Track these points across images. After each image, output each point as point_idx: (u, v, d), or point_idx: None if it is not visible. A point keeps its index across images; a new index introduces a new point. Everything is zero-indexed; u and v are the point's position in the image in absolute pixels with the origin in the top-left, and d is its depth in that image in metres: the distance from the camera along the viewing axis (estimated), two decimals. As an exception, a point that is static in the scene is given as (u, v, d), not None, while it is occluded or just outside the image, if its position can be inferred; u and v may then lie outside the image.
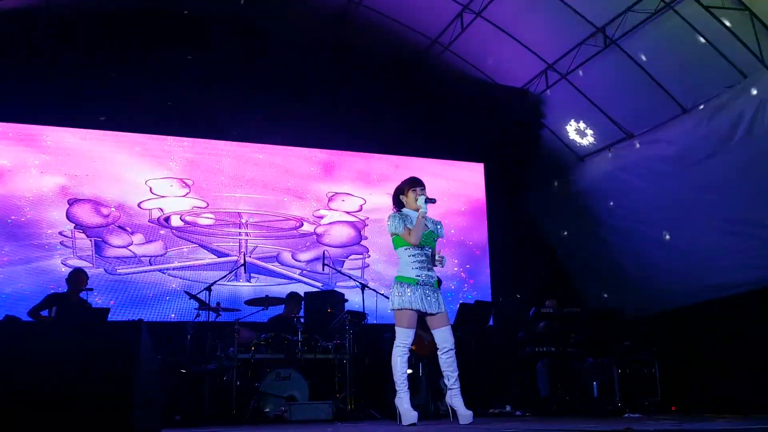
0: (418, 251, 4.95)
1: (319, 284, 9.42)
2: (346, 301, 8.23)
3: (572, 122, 10.18)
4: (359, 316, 7.64)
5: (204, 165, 9.52)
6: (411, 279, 4.89)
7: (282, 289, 8.67)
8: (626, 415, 6.55)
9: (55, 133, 8.92)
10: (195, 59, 9.26)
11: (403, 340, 4.85)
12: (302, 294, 8.24)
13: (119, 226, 8.88)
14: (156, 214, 9.08)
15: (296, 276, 9.51)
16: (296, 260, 9.60)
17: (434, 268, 5.07)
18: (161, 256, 9.01)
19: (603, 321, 7.78)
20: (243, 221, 9.49)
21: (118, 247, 8.85)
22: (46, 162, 8.77)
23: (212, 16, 9.33)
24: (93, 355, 2.75)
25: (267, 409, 6.66)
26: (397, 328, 4.89)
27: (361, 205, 10.11)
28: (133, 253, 8.90)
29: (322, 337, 7.34)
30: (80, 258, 8.62)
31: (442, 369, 4.93)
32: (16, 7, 8.52)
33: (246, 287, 9.12)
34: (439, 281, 8.08)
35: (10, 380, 2.63)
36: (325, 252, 8.36)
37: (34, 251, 8.48)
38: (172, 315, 8.73)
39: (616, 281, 9.85)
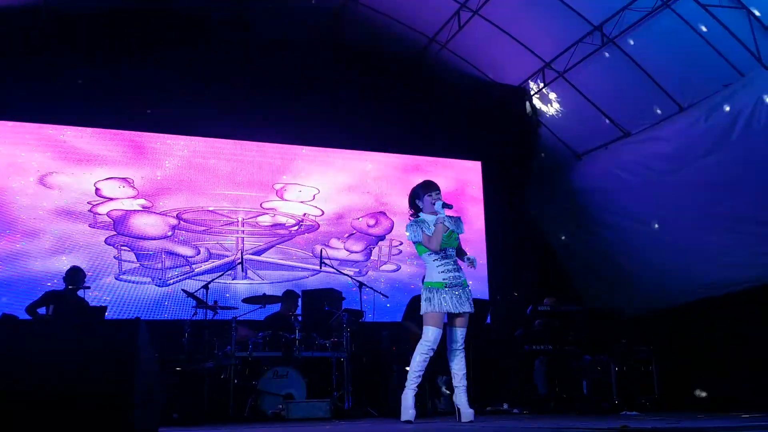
0: (441, 254, 4.99)
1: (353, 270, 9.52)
2: (344, 299, 8.24)
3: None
4: (357, 314, 7.64)
5: (205, 162, 9.52)
6: (439, 283, 4.94)
7: (279, 287, 8.69)
8: (624, 413, 6.57)
9: (58, 131, 8.93)
10: (194, 58, 9.25)
11: (429, 339, 4.89)
12: (299, 292, 8.26)
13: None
14: (172, 221, 9.11)
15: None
16: (349, 250, 9.75)
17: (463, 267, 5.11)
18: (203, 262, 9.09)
19: (601, 319, 7.80)
20: (239, 219, 9.48)
21: (186, 257, 8.96)
22: (45, 158, 8.78)
23: (211, 15, 9.31)
24: (92, 354, 2.74)
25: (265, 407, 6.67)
26: (425, 327, 4.94)
27: (314, 195, 10.02)
28: (188, 261, 8.98)
29: (319, 335, 7.34)
30: (128, 272, 8.72)
31: (450, 366, 4.99)
32: (14, 5, 8.50)
33: (243, 285, 9.12)
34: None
35: (9, 379, 2.62)
36: (322, 250, 8.35)
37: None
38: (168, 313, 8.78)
39: (614, 279, 9.86)
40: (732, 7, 7.39)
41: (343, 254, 9.85)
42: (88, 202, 8.83)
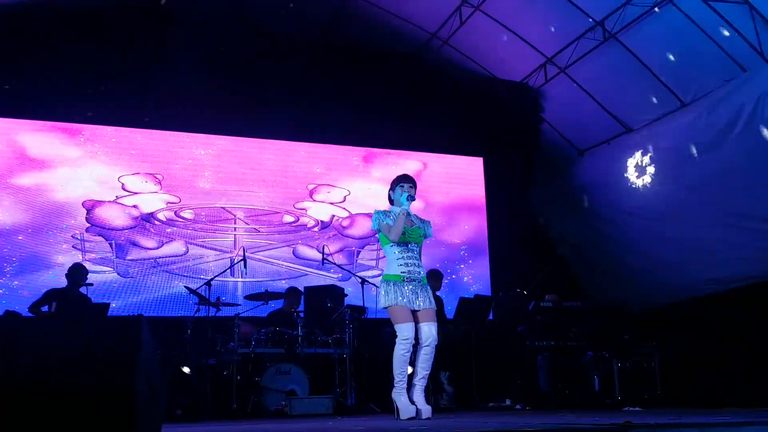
0: (403, 248, 4.97)
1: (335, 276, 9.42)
2: (346, 295, 8.24)
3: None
4: (359, 310, 7.65)
5: (204, 160, 9.53)
6: (396, 276, 4.91)
7: (282, 284, 8.69)
8: (626, 408, 6.56)
9: (55, 127, 8.94)
10: (193, 54, 9.22)
11: (404, 335, 4.82)
12: (302, 289, 8.26)
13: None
14: (134, 212, 9.01)
15: (308, 270, 9.52)
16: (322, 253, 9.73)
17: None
18: (180, 256, 9.05)
19: (603, 315, 7.79)
20: (239, 216, 9.48)
21: (148, 249, 8.89)
22: (41, 154, 8.80)
23: (209, 11, 9.29)
24: (94, 351, 2.74)
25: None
26: (395, 326, 4.88)
27: (345, 197, 10.06)
28: (152, 255, 8.92)
29: (322, 331, 7.35)
30: (93, 262, 8.59)
31: (416, 362, 4.89)
32: (15, 2, 8.51)
33: (245, 282, 9.12)
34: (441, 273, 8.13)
35: (10, 377, 2.62)
36: (325, 247, 8.35)
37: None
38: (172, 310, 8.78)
39: (616, 275, 9.85)
40: (734, 2, 7.37)
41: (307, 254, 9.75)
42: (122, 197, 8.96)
